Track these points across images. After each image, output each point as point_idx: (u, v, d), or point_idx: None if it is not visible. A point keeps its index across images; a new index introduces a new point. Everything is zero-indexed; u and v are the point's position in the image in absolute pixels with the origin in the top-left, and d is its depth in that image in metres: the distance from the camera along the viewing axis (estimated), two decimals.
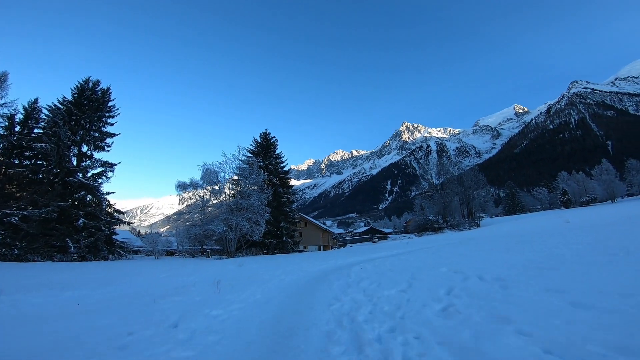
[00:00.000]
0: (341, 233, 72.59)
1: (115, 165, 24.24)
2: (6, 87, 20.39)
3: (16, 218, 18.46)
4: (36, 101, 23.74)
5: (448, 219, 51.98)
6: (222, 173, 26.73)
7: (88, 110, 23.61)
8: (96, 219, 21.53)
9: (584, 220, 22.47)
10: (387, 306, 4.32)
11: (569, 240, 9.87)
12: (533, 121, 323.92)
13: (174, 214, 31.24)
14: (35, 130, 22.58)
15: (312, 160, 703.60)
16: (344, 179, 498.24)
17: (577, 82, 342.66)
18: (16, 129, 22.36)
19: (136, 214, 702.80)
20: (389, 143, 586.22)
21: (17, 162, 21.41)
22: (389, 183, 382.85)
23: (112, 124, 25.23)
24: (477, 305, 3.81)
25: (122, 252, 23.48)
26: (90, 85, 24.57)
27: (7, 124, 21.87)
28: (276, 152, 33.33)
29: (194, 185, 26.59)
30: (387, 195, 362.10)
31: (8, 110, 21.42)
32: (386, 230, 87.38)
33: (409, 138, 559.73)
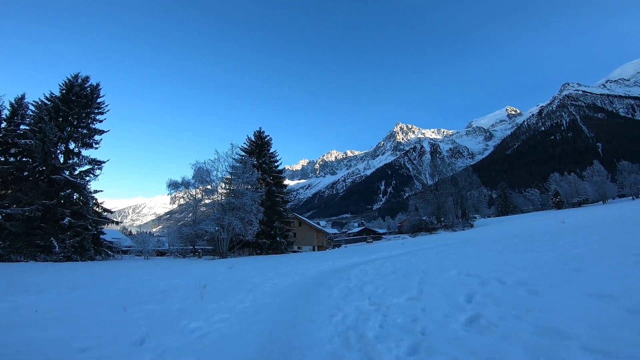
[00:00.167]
0: (335, 233, 72.00)
1: (104, 162, 23.59)
2: None
3: None
4: (23, 97, 22.87)
5: (442, 219, 51.83)
6: (215, 172, 26.13)
7: (76, 107, 22.95)
8: (83, 218, 20.85)
9: (578, 220, 22.40)
10: (400, 318, 3.67)
11: (577, 240, 9.42)
12: (525, 123, 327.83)
13: (166, 213, 30.52)
14: (22, 127, 21.78)
15: (307, 161, 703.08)
16: (338, 180, 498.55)
17: (568, 84, 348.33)
18: (2, 126, 21.56)
19: (128, 213, 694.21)
20: (383, 144, 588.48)
21: (2, 159, 20.70)
22: (383, 184, 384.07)
23: (101, 121, 24.53)
24: (511, 315, 3.18)
25: (109, 252, 22.85)
26: (79, 81, 23.84)
27: None
28: (270, 151, 32.68)
29: (185, 184, 26.10)
30: (381, 195, 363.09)
31: None
32: (380, 231, 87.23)
33: (403, 139, 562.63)
